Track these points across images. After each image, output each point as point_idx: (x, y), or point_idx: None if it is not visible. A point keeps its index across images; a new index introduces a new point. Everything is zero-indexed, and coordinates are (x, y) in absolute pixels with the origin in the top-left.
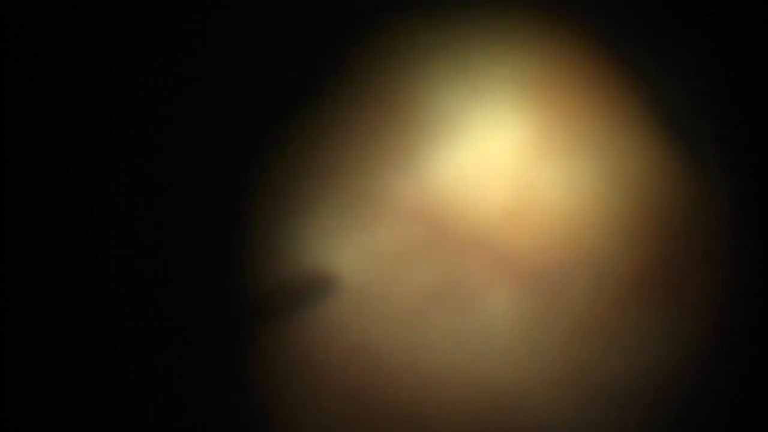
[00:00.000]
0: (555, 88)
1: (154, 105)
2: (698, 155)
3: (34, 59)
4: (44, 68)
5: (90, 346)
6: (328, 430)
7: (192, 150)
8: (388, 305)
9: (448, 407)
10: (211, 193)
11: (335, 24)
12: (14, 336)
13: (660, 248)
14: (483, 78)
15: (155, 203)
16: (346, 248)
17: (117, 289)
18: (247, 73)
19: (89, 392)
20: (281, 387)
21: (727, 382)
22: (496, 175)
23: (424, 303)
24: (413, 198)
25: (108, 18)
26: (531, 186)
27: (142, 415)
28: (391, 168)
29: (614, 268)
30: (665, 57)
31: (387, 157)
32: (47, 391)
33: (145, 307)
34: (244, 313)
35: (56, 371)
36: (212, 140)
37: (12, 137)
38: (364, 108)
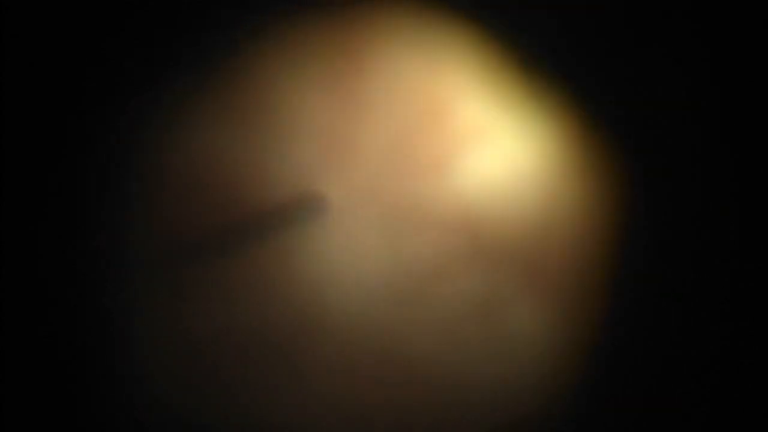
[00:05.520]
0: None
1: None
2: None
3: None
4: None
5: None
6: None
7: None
8: (421, 312)
9: (475, 413)
10: None
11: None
12: None
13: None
14: (513, 88)
15: None
16: (382, 254)
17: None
18: None
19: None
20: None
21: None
22: (529, 188)
23: (456, 310)
24: (449, 208)
25: None
26: (561, 199)
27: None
28: (428, 177)
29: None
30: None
31: (424, 167)
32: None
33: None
34: None
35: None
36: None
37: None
38: (401, 116)
